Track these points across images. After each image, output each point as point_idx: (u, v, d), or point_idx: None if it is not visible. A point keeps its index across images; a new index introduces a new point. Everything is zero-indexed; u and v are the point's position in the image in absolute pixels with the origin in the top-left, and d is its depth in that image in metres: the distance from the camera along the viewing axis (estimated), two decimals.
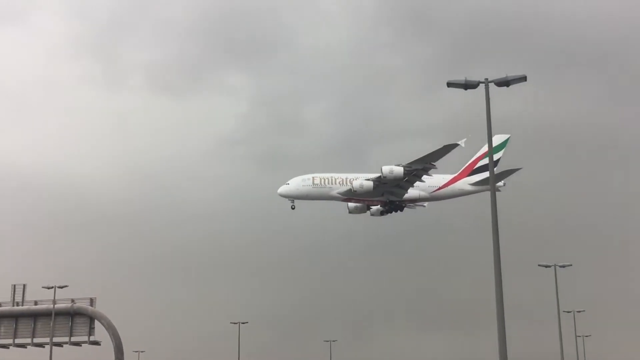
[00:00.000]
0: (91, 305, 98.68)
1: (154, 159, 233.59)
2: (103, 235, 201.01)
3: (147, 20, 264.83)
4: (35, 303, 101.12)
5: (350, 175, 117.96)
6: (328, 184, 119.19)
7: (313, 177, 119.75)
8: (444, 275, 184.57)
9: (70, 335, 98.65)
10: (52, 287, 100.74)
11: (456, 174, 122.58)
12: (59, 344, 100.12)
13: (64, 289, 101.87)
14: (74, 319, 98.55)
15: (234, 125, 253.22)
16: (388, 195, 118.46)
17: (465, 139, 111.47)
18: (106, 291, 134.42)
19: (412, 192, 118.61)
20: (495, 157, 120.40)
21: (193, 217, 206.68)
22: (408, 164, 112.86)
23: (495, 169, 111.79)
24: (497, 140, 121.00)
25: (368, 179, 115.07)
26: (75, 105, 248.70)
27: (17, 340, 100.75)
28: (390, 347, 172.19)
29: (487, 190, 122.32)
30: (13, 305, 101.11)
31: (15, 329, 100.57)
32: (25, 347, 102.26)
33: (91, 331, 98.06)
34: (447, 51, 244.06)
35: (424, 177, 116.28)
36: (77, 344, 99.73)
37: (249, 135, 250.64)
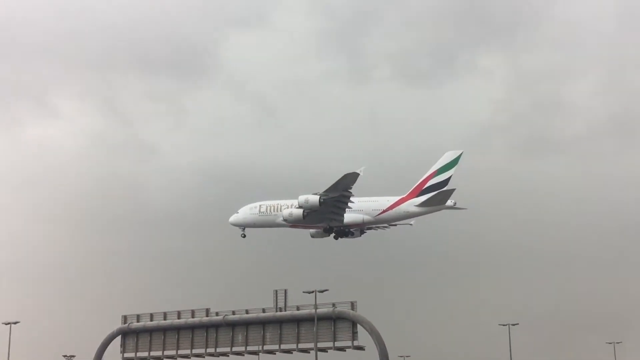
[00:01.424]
0: (352, 309, 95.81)
1: (406, 152, 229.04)
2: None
3: (392, 8, 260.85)
4: (298, 308, 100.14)
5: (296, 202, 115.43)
6: (274, 211, 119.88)
7: (260, 205, 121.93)
8: None
9: (334, 340, 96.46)
10: (312, 292, 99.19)
11: (404, 196, 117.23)
12: (324, 350, 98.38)
13: (324, 293, 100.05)
14: (336, 324, 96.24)
15: (492, 110, 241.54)
16: (327, 222, 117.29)
17: (363, 167, 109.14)
18: (365, 295, 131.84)
19: (354, 217, 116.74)
20: (447, 175, 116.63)
21: None
22: (324, 192, 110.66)
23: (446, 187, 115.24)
24: (448, 156, 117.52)
25: (298, 207, 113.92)
26: (321, 102, 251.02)
27: (283, 346, 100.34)
28: None
29: (434, 211, 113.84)
30: (276, 311, 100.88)
31: (280, 334, 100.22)
32: (291, 353, 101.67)
33: (354, 335, 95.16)
34: None
35: (367, 200, 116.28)
36: (341, 349, 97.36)
37: (508, 120, 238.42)
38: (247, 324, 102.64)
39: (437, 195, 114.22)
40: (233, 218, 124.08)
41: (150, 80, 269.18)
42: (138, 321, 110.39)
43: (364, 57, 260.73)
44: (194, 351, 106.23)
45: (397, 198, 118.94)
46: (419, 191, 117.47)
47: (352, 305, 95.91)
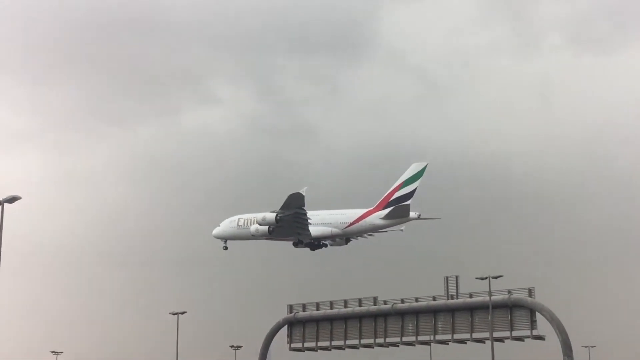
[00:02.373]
0: (530, 296, 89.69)
1: (582, 127, 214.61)
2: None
3: None
4: (470, 296, 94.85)
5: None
6: (249, 224, 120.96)
7: (238, 219, 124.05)
8: None
9: (511, 330, 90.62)
10: (486, 278, 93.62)
11: (372, 208, 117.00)
12: (500, 339, 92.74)
13: (498, 279, 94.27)
14: (513, 312, 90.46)
15: None
16: (296, 236, 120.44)
17: (306, 187, 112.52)
18: (542, 281, 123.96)
19: (322, 230, 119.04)
20: (412, 187, 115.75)
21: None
22: (279, 210, 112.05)
23: (409, 200, 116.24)
24: (414, 168, 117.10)
25: (262, 224, 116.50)
26: (487, 75, 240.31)
27: (456, 336, 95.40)
28: None
29: (398, 224, 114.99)
30: (448, 299, 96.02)
31: (453, 323, 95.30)
32: (465, 343, 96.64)
33: (533, 324, 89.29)
34: None
35: (336, 213, 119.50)
36: (519, 338, 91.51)
37: None
38: (417, 313, 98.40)
39: (395, 210, 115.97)
40: (215, 231, 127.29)
41: (306, 61, 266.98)
42: (304, 310, 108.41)
43: (532, 24, 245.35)
44: (363, 341, 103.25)
45: (364, 210, 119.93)
46: (386, 203, 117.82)
47: (530, 291, 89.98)
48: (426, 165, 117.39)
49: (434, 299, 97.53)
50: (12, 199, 68.34)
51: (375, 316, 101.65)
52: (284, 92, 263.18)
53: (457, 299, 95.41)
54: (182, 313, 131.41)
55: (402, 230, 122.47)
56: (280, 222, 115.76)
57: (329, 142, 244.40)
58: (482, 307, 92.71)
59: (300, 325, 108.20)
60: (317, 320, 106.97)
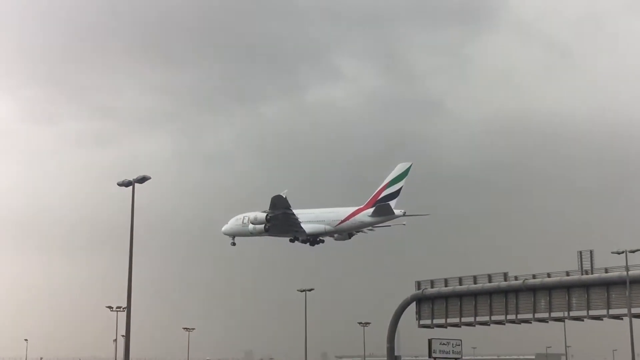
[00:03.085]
0: None
1: None
2: None
3: None
4: (606, 270, 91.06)
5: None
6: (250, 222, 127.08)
7: (243, 217, 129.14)
8: None
9: None
10: (622, 252, 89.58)
11: (362, 206, 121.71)
12: (638, 316, 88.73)
13: (635, 253, 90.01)
14: None
15: None
16: (292, 234, 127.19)
17: (286, 190, 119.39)
18: None
19: (316, 227, 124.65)
20: (398, 186, 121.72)
21: None
22: (269, 209, 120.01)
23: (396, 199, 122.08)
24: (399, 168, 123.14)
25: (255, 223, 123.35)
26: (623, 39, 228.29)
27: (591, 312, 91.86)
28: None
29: (386, 220, 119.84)
30: (582, 274, 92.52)
31: (588, 299, 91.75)
32: (601, 320, 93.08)
33: None
34: None
35: (329, 212, 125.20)
36: None
37: None
38: (549, 289, 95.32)
39: (379, 209, 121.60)
40: (223, 228, 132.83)
41: (431, 32, 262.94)
42: (432, 287, 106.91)
43: None
44: (493, 317, 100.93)
45: (355, 208, 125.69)
46: (374, 202, 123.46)
47: None
48: (410, 165, 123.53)
49: (567, 274, 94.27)
50: (142, 179, 69.89)
51: (505, 292, 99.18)
52: (409, 65, 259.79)
53: (591, 274, 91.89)
54: (310, 290, 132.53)
55: (404, 224, 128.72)
56: (272, 221, 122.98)
57: (458, 113, 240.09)
58: (619, 283, 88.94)
59: (429, 301, 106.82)
60: (445, 297, 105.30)
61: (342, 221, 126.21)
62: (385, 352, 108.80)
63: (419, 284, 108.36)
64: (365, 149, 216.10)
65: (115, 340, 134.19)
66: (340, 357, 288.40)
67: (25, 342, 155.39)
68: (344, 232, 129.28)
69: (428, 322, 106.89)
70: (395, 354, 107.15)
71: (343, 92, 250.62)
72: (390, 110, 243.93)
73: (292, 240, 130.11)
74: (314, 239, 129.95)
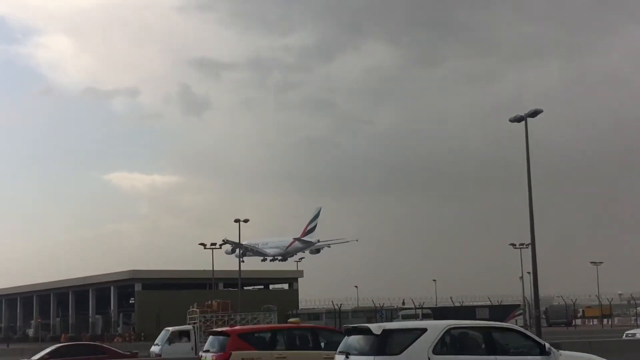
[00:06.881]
0: None
1: None
2: None
3: None
4: None
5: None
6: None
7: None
8: None
9: None
10: None
11: (299, 235, 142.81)
12: None
13: None
14: None
15: None
16: (264, 256, 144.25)
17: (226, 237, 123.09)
18: None
19: (276, 251, 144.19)
20: (314, 224, 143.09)
21: None
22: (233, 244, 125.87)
23: (311, 234, 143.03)
24: (314, 210, 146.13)
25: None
26: None
27: None
28: None
29: (308, 247, 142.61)
30: None
31: None
32: None
33: None
34: None
35: (280, 240, 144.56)
36: None
37: None
38: None
39: (297, 241, 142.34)
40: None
41: None
42: None
43: None
44: None
45: (292, 239, 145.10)
46: (304, 233, 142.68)
47: None
48: (320, 209, 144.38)
49: None
50: (534, 113, 66.71)
51: None
52: None
53: None
54: (599, 263, 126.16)
55: (357, 240, 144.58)
56: (235, 251, 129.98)
57: None
58: None
59: None
60: None
61: (288, 247, 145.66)
62: None
63: None
64: None
65: (522, 277, 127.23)
66: None
67: (433, 282, 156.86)
68: (290, 255, 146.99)
69: None
70: None
71: None
72: None
73: (263, 260, 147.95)
74: (284, 258, 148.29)
